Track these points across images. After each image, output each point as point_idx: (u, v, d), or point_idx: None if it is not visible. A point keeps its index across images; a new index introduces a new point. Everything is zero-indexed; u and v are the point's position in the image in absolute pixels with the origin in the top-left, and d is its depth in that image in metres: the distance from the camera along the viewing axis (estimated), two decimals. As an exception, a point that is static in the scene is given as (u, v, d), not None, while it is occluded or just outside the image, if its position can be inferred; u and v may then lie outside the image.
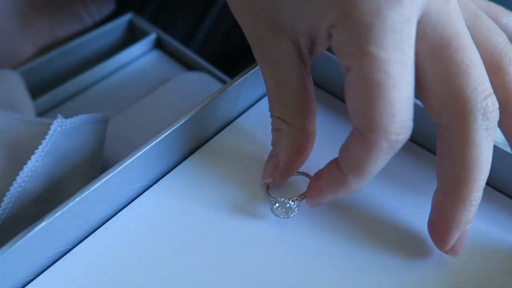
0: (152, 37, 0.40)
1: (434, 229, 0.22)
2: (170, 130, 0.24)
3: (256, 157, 0.26)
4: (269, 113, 0.24)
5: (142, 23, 0.41)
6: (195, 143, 0.27)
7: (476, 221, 0.23)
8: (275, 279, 0.22)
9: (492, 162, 0.21)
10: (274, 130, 0.24)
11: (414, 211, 0.25)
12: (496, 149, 0.24)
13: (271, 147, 0.25)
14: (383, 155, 0.20)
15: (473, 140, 0.20)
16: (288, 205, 0.23)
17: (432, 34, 0.20)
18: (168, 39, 0.40)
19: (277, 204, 0.24)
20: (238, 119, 0.29)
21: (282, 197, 0.24)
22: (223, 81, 0.38)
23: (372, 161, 0.20)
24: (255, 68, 0.27)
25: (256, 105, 0.29)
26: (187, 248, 0.23)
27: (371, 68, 0.18)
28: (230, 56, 0.43)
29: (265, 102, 0.29)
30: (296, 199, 0.24)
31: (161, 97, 0.37)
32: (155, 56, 0.41)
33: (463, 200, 0.21)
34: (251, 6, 0.22)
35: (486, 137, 0.20)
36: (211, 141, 0.27)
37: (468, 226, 0.22)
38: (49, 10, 0.40)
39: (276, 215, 0.24)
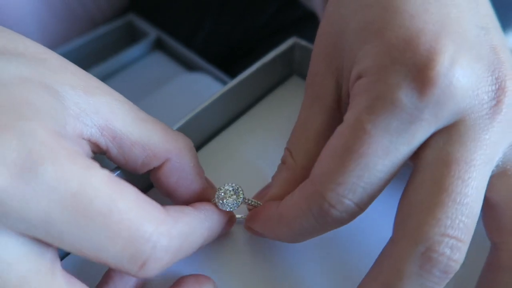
0: (152, 37, 0.40)
1: None
2: (170, 132, 0.24)
3: (256, 159, 0.26)
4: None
5: (142, 24, 0.41)
6: (194, 144, 0.27)
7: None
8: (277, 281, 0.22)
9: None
10: (281, 162, 0.23)
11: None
12: None
13: (270, 150, 0.24)
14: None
15: None
16: (237, 188, 0.22)
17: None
18: (168, 39, 0.40)
19: (222, 191, 0.22)
20: (238, 120, 0.29)
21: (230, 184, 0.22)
22: (223, 82, 0.37)
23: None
24: (255, 69, 0.27)
25: (256, 107, 0.29)
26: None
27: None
28: (231, 56, 0.43)
29: (264, 103, 0.29)
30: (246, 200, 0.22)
31: (162, 98, 0.37)
32: (155, 57, 0.41)
33: None
34: (328, 48, 0.22)
35: None
36: (211, 142, 0.27)
37: None
38: (66, 14, 0.40)
39: (223, 200, 0.22)
